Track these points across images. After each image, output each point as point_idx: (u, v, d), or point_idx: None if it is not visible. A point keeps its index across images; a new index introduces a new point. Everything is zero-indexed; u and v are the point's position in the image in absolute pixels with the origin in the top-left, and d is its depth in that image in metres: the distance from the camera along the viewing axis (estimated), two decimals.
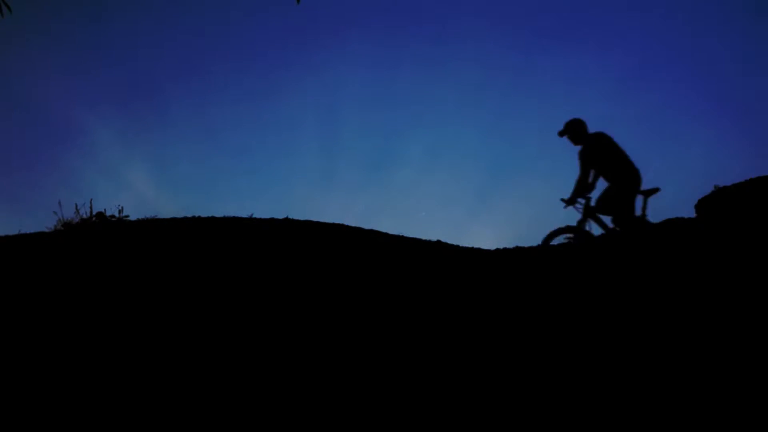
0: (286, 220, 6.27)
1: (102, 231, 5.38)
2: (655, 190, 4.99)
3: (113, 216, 6.09)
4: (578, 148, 5.27)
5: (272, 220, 6.24)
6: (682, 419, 2.57)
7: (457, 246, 5.97)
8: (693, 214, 6.08)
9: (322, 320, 3.70)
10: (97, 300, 3.97)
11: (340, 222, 5.93)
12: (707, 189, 6.18)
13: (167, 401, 2.84)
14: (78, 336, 3.51)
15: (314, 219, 6.10)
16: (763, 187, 5.62)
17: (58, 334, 3.54)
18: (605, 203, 5.12)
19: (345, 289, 4.19)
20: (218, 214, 6.50)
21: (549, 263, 4.87)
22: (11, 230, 6.05)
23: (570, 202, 5.23)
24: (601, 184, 5.19)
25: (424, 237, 6.33)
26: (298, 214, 5.89)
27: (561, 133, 5.41)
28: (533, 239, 6.02)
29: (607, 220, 5.07)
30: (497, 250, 6.05)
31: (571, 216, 6.25)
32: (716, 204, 5.89)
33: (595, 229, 5.02)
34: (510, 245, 6.43)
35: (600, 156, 5.18)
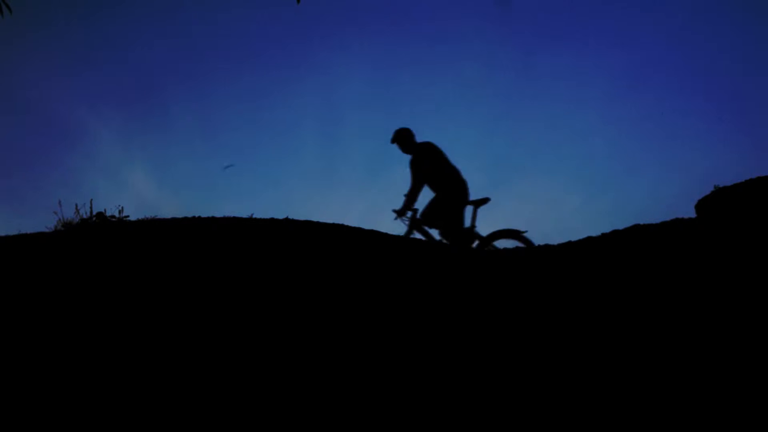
0: (286, 220, 6.27)
1: (102, 231, 5.38)
2: (484, 200, 4.90)
3: (113, 216, 6.08)
4: (409, 157, 5.21)
5: (272, 220, 6.23)
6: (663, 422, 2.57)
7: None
8: (693, 214, 6.07)
9: (323, 320, 3.70)
10: (97, 300, 3.97)
11: (340, 222, 5.93)
12: (707, 189, 6.17)
13: (167, 401, 2.84)
14: (78, 336, 3.51)
15: (314, 219, 6.10)
16: (763, 187, 5.61)
17: (58, 334, 3.54)
18: (432, 215, 5.02)
19: (345, 289, 4.19)
20: (218, 214, 6.49)
21: (549, 263, 4.88)
22: (11, 230, 6.05)
23: (401, 213, 5.13)
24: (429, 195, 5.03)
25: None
26: (298, 214, 5.90)
27: (392, 141, 5.37)
28: (533, 239, 6.03)
29: (434, 233, 4.96)
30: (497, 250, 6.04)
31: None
32: (716, 204, 5.88)
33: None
34: (510, 245, 6.43)
35: (427, 165, 5.10)
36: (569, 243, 5.28)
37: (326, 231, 5.51)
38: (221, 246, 4.95)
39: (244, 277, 4.34)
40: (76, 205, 6.09)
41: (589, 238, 5.26)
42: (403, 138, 5.46)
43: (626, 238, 4.97)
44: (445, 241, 5.00)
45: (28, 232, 5.71)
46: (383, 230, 6.41)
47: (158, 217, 6.14)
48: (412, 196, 5.28)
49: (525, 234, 5.10)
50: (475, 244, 5.08)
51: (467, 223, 4.97)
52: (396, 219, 5.29)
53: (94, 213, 6.06)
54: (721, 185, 6.02)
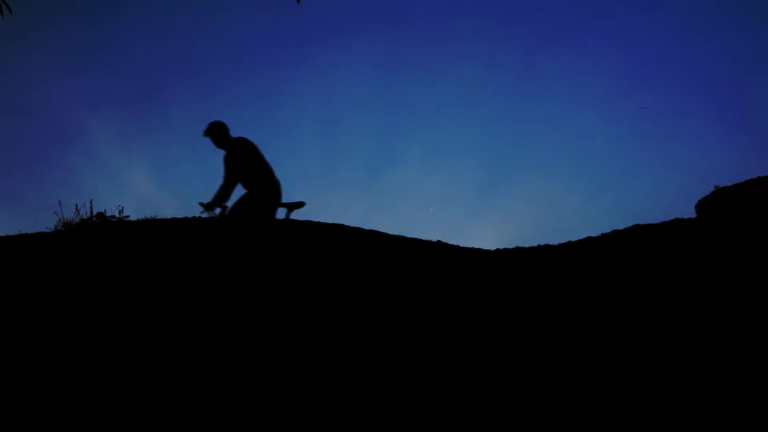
0: (287, 220, 6.27)
1: (102, 231, 5.38)
2: (299, 204, 4.77)
3: (113, 216, 6.07)
4: (223, 152, 5.00)
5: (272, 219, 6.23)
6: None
7: (458, 246, 5.96)
8: (693, 214, 6.08)
9: (323, 321, 3.70)
10: (97, 300, 3.97)
11: (340, 222, 5.92)
12: (707, 189, 6.16)
13: (167, 401, 2.84)
14: (78, 336, 3.51)
15: (314, 219, 6.09)
16: (763, 187, 5.61)
17: (58, 334, 3.54)
18: (241, 213, 4.88)
19: (345, 289, 4.19)
20: None
21: (549, 263, 4.88)
22: (11, 230, 6.04)
23: (208, 207, 4.98)
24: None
25: (424, 237, 6.32)
26: (298, 214, 5.89)
27: (204, 134, 5.21)
28: (533, 239, 6.03)
29: None
30: (497, 250, 6.05)
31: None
32: (716, 204, 5.89)
33: None
34: (510, 245, 6.43)
35: (239, 162, 4.95)
36: (569, 243, 5.28)
37: (326, 231, 5.50)
38: (221, 246, 4.95)
39: (245, 277, 4.34)
40: (76, 205, 6.07)
41: (589, 238, 5.27)
42: (217, 131, 5.26)
43: (626, 238, 4.97)
44: None
45: (28, 232, 5.71)
46: (383, 230, 6.42)
47: (158, 217, 6.13)
48: (223, 192, 5.14)
49: None
50: None
51: None
52: (202, 213, 5.17)
53: (94, 213, 6.04)
54: (721, 185, 6.02)
